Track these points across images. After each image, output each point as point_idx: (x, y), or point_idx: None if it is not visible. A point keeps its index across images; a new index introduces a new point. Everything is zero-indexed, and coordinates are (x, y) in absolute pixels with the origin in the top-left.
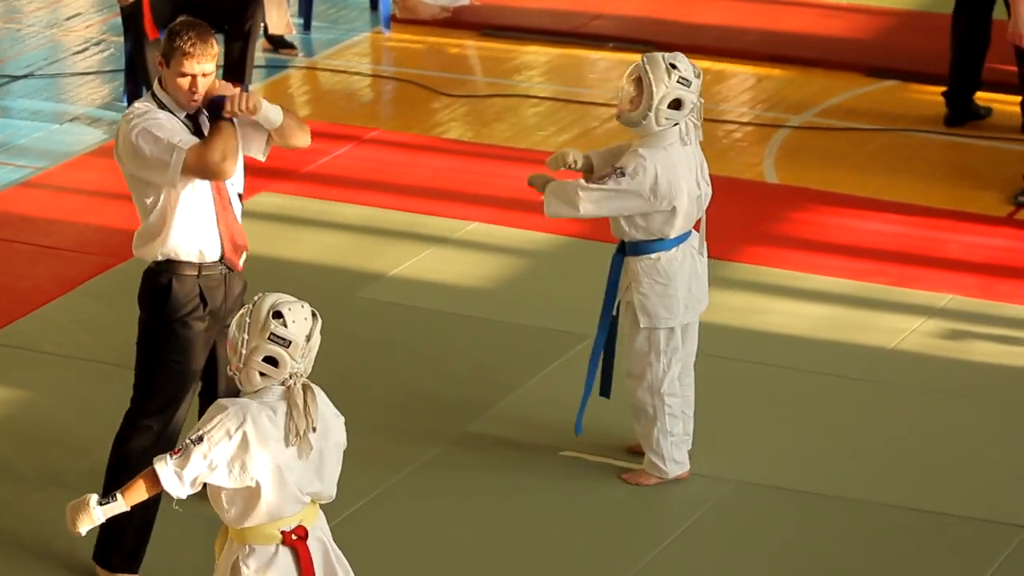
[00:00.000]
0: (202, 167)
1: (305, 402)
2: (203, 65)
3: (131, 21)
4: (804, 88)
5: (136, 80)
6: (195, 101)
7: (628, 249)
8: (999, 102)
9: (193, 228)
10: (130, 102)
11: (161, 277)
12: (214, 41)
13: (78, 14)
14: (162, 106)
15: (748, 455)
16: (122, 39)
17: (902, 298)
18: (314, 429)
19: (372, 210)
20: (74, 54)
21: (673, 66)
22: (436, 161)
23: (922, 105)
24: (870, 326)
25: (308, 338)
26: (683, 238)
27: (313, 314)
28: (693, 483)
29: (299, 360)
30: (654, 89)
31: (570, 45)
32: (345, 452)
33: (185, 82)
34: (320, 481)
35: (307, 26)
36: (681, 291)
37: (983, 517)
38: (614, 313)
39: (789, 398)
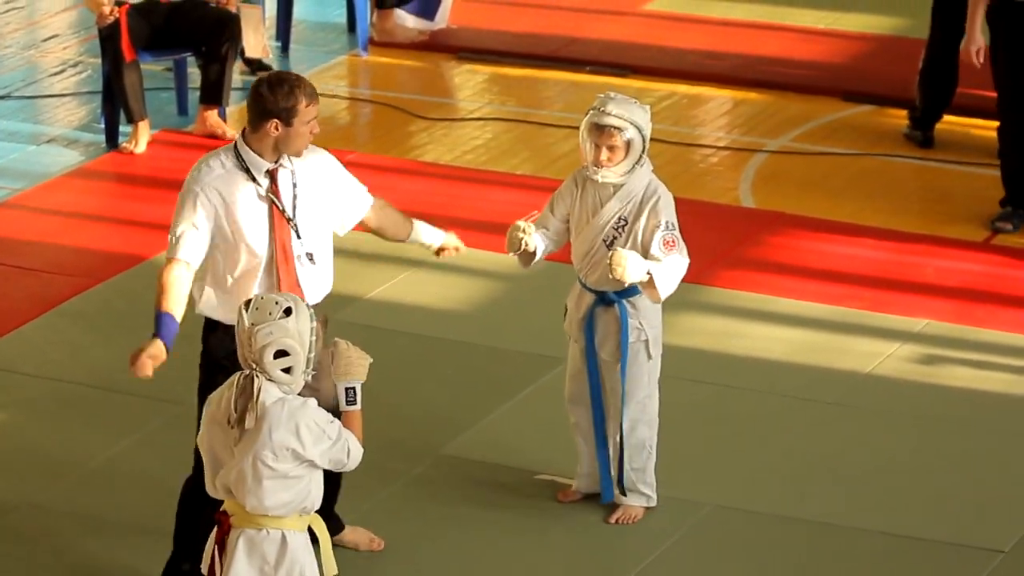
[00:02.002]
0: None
1: (235, 392)
2: (318, 105)
3: (109, 43)
4: (781, 113)
5: (113, 102)
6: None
7: (633, 290)
8: (975, 127)
9: (239, 294)
10: (107, 123)
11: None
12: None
13: (55, 35)
14: (241, 163)
15: (724, 479)
16: (99, 61)
17: (878, 323)
18: (232, 424)
19: (348, 232)
20: (51, 75)
21: (637, 102)
22: (413, 184)
23: (899, 130)
24: (846, 351)
25: (245, 328)
26: None
27: (270, 313)
28: (669, 507)
29: (241, 345)
30: (646, 133)
31: (547, 68)
32: None
33: (309, 128)
34: (234, 486)
35: (284, 49)
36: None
37: (959, 542)
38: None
39: (765, 422)
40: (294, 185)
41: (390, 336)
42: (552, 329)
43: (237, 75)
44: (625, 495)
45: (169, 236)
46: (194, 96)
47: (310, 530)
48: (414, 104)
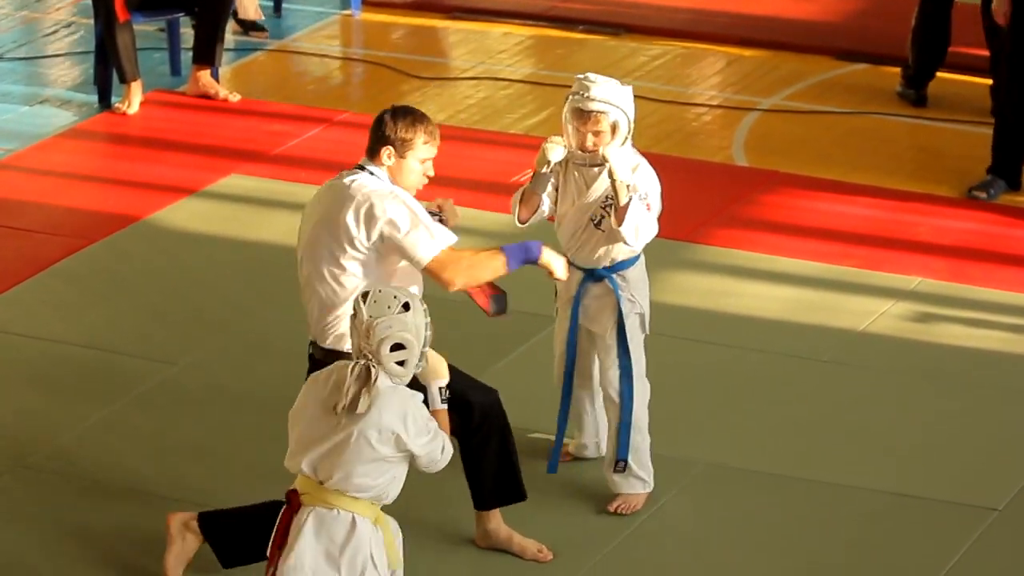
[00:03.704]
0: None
1: (350, 379)
2: (436, 147)
3: (102, 3)
4: (774, 71)
5: (106, 62)
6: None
7: (622, 265)
8: (969, 85)
9: None
10: (100, 84)
11: None
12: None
13: None
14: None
15: (717, 437)
16: (92, 21)
17: (872, 281)
18: (341, 409)
19: None
20: (44, 36)
21: (618, 82)
22: None
23: (892, 88)
24: (839, 309)
25: (362, 320)
26: None
27: (388, 307)
28: (662, 465)
29: (359, 336)
30: (631, 114)
31: (540, 27)
32: None
33: (424, 168)
34: (331, 463)
35: (277, 9)
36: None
37: (953, 499)
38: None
39: (758, 380)
40: None
41: None
42: (545, 288)
43: (230, 35)
44: (623, 471)
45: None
46: (187, 56)
47: None
48: (407, 63)
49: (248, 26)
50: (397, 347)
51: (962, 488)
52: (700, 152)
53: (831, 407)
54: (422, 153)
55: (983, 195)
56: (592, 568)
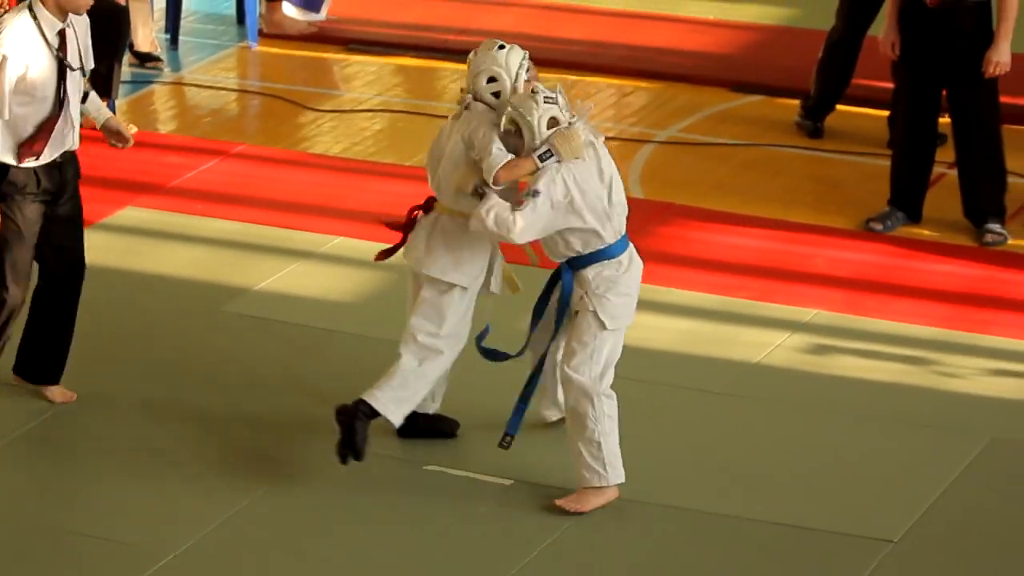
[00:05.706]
0: None
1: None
2: None
3: None
4: (669, 103)
5: None
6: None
7: (578, 261)
8: (865, 117)
9: None
10: None
11: None
12: None
13: None
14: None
15: None
16: None
17: (767, 313)
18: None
19: (237, 225)
20: None
21: (533, 91)
22: (302, 176)
23: (788, 120)
24: (735, 341)
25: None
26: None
27: (487, 48)
28: (553, 496)
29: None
30: (532, 120)
31: (437, 60)
32: (212, 465)
33: None
34: None
35: (174, 41)
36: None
37: (847, 532)
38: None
39: (652, 412)
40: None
41: (279, 327)
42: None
43: (126, 67)
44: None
45: None
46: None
47: None
48: (303, 96)
49: (144, 58)
50: (491, 80)
51: (858, 520)
52: None
53: (725, 439)
54: None
55: (879, 227)
56: None
